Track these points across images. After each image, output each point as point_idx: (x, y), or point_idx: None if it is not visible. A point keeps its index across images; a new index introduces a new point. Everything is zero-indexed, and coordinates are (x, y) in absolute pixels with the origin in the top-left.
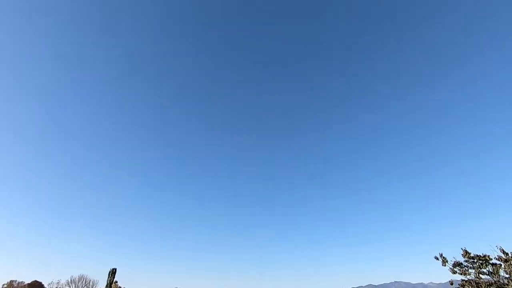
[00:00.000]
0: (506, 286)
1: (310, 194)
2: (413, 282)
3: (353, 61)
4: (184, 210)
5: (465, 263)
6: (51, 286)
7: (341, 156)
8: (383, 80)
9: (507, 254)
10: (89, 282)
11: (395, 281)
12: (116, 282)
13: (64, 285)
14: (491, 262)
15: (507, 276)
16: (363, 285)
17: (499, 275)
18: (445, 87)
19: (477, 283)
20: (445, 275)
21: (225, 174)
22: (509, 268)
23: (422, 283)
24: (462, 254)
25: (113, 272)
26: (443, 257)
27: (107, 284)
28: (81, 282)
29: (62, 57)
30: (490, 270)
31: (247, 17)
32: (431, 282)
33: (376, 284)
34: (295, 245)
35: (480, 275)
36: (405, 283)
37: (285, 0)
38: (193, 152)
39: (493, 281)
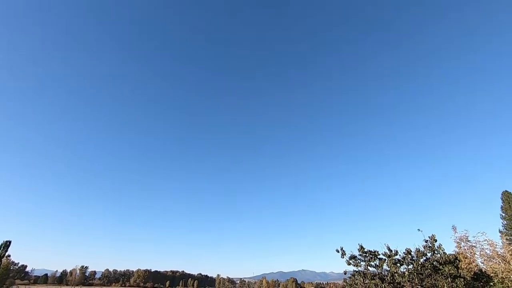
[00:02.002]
0: (385, 277)
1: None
2: (317, 270)
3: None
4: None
5: (359, 257)
6: None
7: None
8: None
9: (391, 251)
10: None
11: (302, 269)
12: (9, 256)
13: None
14: (378, 257)
15: (388, 269)
16: (275, 272)
17: (382, 268)
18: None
19: (364, 274)
20: (344, 266)
21: None
22: (390, 263)
23: (324, 272)
24: (358, 249)
25: (5, 245)
26: (343, 250)
27: None
28: None
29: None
30: (377, 263)
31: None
32: (331, 272)
33: (286, 271)
34: (217, 237)
35: (369, 267)
36: (310, 271)
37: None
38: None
39: (377, 273)
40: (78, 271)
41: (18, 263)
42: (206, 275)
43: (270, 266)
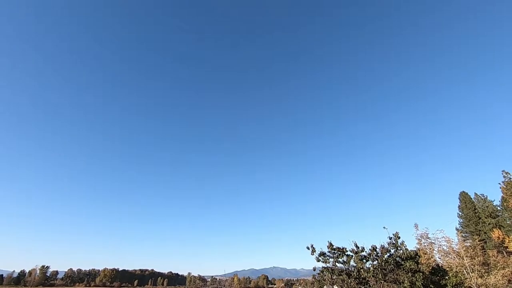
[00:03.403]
0: (352, 273)
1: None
2: (288, 267)
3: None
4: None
5: (328, 254)
6: None
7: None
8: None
9: (358, 248)
10: None
11: (273, 267)
12: None
13: None
14: (346, 253)
15: (354, 265)
16: (246, 269)
17: (349, 264)
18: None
19: (332, 270)
20: (313, 262)
21: None
22: (357, 259)
23: (295, 268)
24: (327, 246)
25: None
26: (313, 248)
27: None
28: None
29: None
30: (345, 259)
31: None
32: (302, 268)
33: (258, 269)
34: (187, 235)
35: (337, 264)
36: (281, 268)
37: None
38: None
39: (344, 269)
40: (38, 271)
41: None
42: (177, 274)
43: (242, 264)
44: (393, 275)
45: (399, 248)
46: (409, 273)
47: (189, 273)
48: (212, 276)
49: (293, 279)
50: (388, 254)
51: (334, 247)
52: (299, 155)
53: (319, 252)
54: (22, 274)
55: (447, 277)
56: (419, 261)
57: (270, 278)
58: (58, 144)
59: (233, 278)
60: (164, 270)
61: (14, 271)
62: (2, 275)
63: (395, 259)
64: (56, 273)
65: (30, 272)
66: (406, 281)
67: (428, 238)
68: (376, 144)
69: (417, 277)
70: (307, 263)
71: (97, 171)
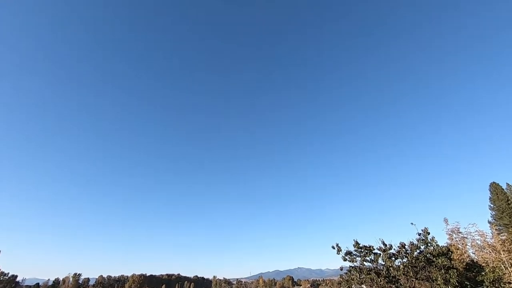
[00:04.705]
0: (381, 272)
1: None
2: (313, 268)
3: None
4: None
5: (355, 252)
6: None
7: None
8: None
9: (386, 245)
10: None
11: (298, 267)
12: None
13: None
14: (374, 252)
15: (383, 263)
16: (271, 271)
17: (378, 262)
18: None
19: (360, 269)
20: (339, 262)
21: None
22: (385, 257)
23: (320, 269)
24: (353, 245)
25: None
26: (338, 247)
27: None
28: None
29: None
30: (372, 258)
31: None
32: (327, 268)
33: (282, 270)
34: (212, 238)
35: (364, 263)
36: (306, 269)
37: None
38: None
39: (373, 267)
40: (71, 279)
41: (8, 273)
42: (203, 277)
43: (267, 266)
44: (425, 272)
45: (429, 244)
46: (442, 270)
47: (214, 277)
48: (238, 279)
49: (319, 280)
50: (418, 251)
51: (361, 245)
52: (322, 155)
53: (345, 251)
54: (56, 282)
55: (483, 273)
56: (451, 257)
57: (295, 279)
58: (87, 156)
59: (258, 280)
60: (190, 274)
61: (49, 279)
62: (38, 283)
63: (426, 256)
64: (87, 280)
65: (63, 280)
66: (439, 279)
67: (459, 232)
68: (399, 141)
69: (451, 274)
70: (333, 263)
71: (123, 182)
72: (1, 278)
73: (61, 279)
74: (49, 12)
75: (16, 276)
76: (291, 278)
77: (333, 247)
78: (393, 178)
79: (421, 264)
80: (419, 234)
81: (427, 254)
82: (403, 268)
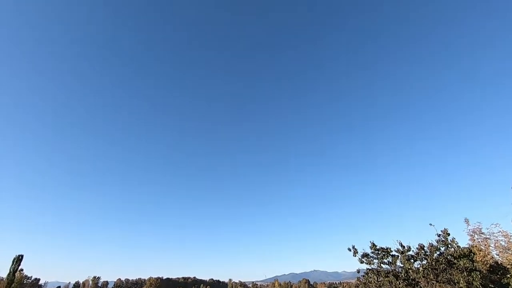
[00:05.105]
0: (399, 274)
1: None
2: (329, 270)
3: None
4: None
5: (371, 254)
6: None
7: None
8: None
9: (404, 247)
10: None
11: (314, 270)
12: (22, 270)
13: None
14: (391, 254)
15: (401, 265)
16: (286, 273)
17: (396, 265)
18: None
19: (378, 272)
20: (356, 264)
21: None
22: (404, 259)
23: (336, 271)
24: (370, 247)
25: (18, 259)
26: (355, 249)
27: (10, 272)
28: None
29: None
30: (390, 260)
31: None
32: (344, 271)
33: (298, 273)
34: (228, 241)
35: (382, 265)
36: (322, 271)
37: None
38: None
39: (390, 270)
40: (90, 282)
41: (31, 276)
42: (218, 280)
43: (282, 268)
44: (446, 275)
45: (450, 246)
46: (464, 272)
47: (230, 280)
48: (253, 282)
49: (335, 282)
50: (438, 252)
51: (378, 247)
52: (338, 156)
53: (361, 253)
54: (76, 285)
55: (508, 275)
56: (474, 259)
57: (311, 282)
58: (104, 164)
59: (274, 283)
60: (206, 277)
61: (69, 282)
62: (59, 286)
63: (447, 258)
64: (106, 283)
65: (83, 283)
66: (461, 281)
67: (482, 233)
68: (416, 140)
69: (474, 276)
70: (349, 265)
71: (141, 189)
72: (25, 282)
73: (81, 282)
74: (57, 12)
75: (39, 280)
76: (307, 281)
77: (349, 249)
78: (410, 179)
79: (441, 266)
80: (439, 235)
81: (447, 255)
82: (423, 271)
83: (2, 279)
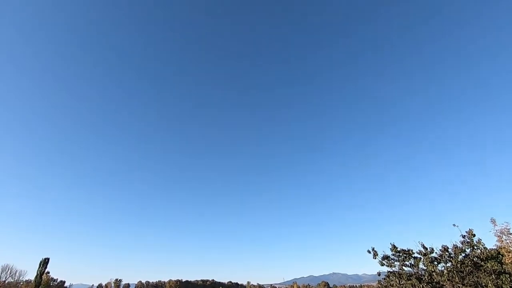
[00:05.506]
0: (423, 277)
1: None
2: (349, 273)
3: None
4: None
5: (392, 257)
6: None
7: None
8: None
9: (426, 249)
10: (15, 272)
11: (333, 273)
12: (48, 272)
13: None
14: (413, 256)
15: (424, 268)
16: (305, 276)
17: (418, 267)
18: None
19: (399, 274)
20: (377, 267)
21: None
22: (427, 261)
23: (356, 274)
24: (390, 249)
25: (44, 262)
26: (375, 251)
27: (37, 274)
28: (5, 272)
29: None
30: (412, 263)
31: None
32: (364, 274)
33: (317, 275)
34: (246, 243)
35: (403, 267)
36: (342, 274)
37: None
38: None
39: (413, 273)
40: (112, 284)
41: (57, 279)
42: (237, 283)
43: (301, 271)
44: (473, 278)
45: (475, 247)
46: (493, 275)
47: (248, 282)
48: (271, 285)
49: (355, 286)
50: (463, 254)
51: (398, 249)
52: (357, 157)
53: (382, 256)
54: (99, 287)
55: None
56: (503, 261)
57: (331, 285)
58: (126, 169)
59: (293, 286)
60: (224, 279)
61: (93, 285)
62: None
63: (473, 260)
64: (127, 286)
65: (106, 286)
66: (490, 285)
67: (510, 234)
68: (437, 140)
69: (503, 279)
70: (370, 268)
71: (161, 193)
72: (51, 284)
73: (104, 284)
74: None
75: (64, 282)
76: (327, 284)
77: (369, 252)
78: (430, 178)
79: (467, 268)
80: (463, 236)
81: (474, 257)
82: (448, 273)
83: (30, 281)
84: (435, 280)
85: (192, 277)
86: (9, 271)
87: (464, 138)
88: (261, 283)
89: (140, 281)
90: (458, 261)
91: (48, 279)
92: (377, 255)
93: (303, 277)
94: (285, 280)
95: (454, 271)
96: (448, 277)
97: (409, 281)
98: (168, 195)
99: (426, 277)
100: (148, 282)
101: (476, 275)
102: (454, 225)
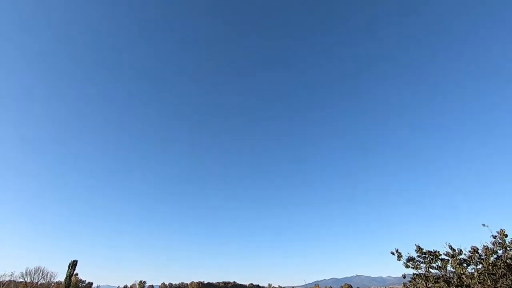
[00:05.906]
0: (451, 280)
1: (278, 198)
2: (373, 275)
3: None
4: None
5: (418, 258)
6: (3, 278)
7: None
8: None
9: (454, 250)
10: (47, 274)
11: (356, 275)
12: (77, 274)
13: (18, 277)
14: (440, 257)
15: (453, 270)
16: (327, 279)
17: (446, 269)
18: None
19: (426, 277)
20: (401, 269)
21: None
22: (455, 263)
23: (381, 276)
24: (415, 250)
25: (73, 264)
26: (399, 252)
27: (67, 276)
28: (37, 274)
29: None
30: (439, 265)
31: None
32: (389, 276)
33: (339, 278)
34: (266, 244)
35: (430, 270)
36: (365, 276)
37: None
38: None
39: (440, 275)
40: (137, 286)
41: (85, 280)
42: (258, 285)
43: (323, 273)
44: (506, 281)
45: (508, 249)
46: None
47: (269, 284)
48: (293, 287)
49: None
50: (495, 256)
51: (424, 250)
52: (382, 155)
53: (406, 257)
54: None
55: None
56: None
57: None
58: (149, 170)
59: None
60: (245, 281)
61: (118, 286)
62: None
63: (506, 262)
64: (151, 287)
65: (131, 287)
66: None
67: None
68: (453, 140)
69: None
70: (395, 270)
71: (183, 197)
72: (80, 285)
73: (129, 286)
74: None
75: (92, 283)
76: (350, 287)
77: (392, 253)
78: (457, 177)
79: (500, 271)
80: (494, 237)
81: (507, 259)
82: (478, 276)
83: (60, 282)
84: (464, 283)
85: (213, 279)
86: (41, 273)
87: (496, 132)
88: (282, 285)
89: (164, 283)
90: (489, 263)
91: (77, 281)
92: (402, 256)
93: (325, 279)
94: (306, 283)
95: (486, 274)
96: (479, 280)
97: (436, 284)
98: (190, 200)
99: (455, 279)
100: (171, 284)
101: (510, 278)
102: (483, 225)
